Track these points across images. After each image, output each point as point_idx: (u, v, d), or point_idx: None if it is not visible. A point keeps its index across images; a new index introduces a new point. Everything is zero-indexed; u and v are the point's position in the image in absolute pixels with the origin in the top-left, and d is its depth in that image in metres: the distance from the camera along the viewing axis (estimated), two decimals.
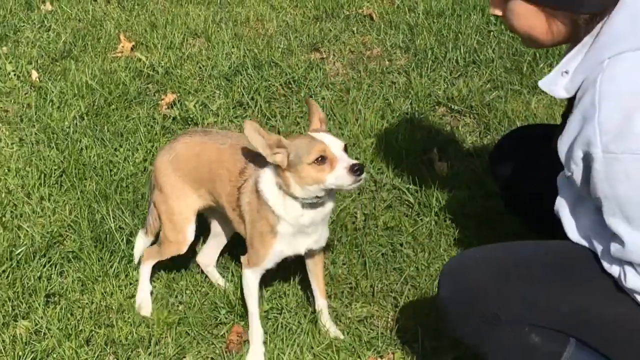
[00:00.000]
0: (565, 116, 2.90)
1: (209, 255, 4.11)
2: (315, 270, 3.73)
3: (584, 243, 2.83)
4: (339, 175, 3.23)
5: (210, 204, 3.79)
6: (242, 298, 3.88)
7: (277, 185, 3.38)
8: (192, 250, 4.22)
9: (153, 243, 4.04)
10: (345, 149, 3.31)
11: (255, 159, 3.50)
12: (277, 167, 3.33)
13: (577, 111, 2.63)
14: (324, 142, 3.25)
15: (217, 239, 4.09)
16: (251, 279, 3.62)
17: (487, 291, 2.84)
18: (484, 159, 4.69)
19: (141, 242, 4.05)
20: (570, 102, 2.85)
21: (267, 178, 3.42)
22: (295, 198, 3.36)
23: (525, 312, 2.82)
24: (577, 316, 2.81)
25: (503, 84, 5.33)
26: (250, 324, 3.68)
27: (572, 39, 2.83)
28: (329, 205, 3.46)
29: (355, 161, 3.25)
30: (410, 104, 5.20)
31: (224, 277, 4.10)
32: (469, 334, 2.95)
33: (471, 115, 5.11)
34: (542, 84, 2.92)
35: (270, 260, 3.55)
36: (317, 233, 3.53)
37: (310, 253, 3.66)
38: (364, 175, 3.27)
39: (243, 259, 3.65)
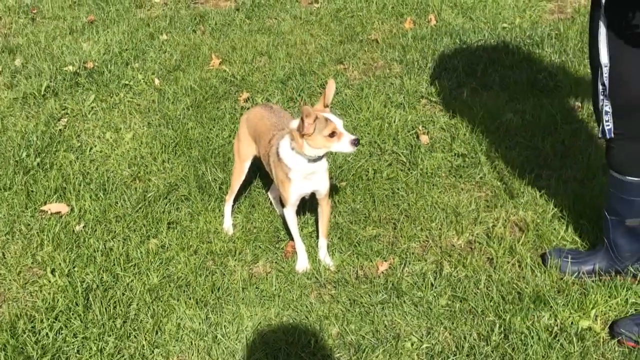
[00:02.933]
0: None
1: (274, 190, 4.10)
2: (322, 215, 3.70)
3: None
4: (344, 145, 3.32)
5: (259, 154, 3.84)
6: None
7: (290, 147, 3.42)
8: (261, 193, 4.29)
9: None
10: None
11: (278, 133, 3.59)
12: (295, 134, 3.36)
13: None
14: (334, 122, 3.31)
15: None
16: (288, 214, 3.66)
17: None
18: (452, 132, 4.71)
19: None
20: None
21: (283, 145, 3.46)
22: (304, 155, 3.40)
23: None
24: None
25: (464, 83, 5.32)
26: (295, 242, 3.74)
27: None
28: (323, 162, 3.50)
29: (355, 136, 3.34)
30: (403, 97, 5.19)
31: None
32: None
33: (443, 105, 5.11)
34: None
35: (291, 198, 3.56)
36: (318, 180, 3.55)
37: (318, 199, 3.65)
38: (358, 146, 3.38)
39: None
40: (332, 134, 3.31)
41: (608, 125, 2.98)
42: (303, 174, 3.49)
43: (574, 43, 5.72)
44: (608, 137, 3.00)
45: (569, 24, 6.11)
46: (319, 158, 3.46)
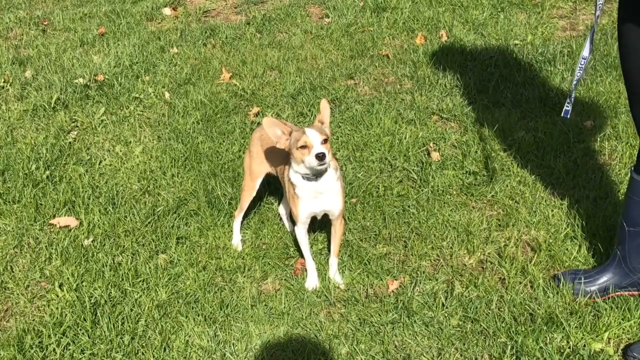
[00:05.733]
0: None
1: (285, 206, 4.09)
2: (335, 235, 3.65)
3: None
4: (310, 159, 3.24)
5: (275, 172, 3.79)
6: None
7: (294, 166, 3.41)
8: (270, 209, 4.28)
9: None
10: (325, 141, 3.27)
11: None
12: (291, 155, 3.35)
13: None
14: (307, 135, 3.25)
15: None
16: (299, 232, 3.62)
17: None
18: (463, 150, 4.70)
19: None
20: None
21: (293, 161, 3.41)
22: (297, 173, 3.40)
23: None
24: None
25: (476, 100, 5.30)
26: (305, 260, 3.71)
27: None
28: (322, 182, 3.42)
29: (320, 150, 3.23)
30: (414, 113, 5.18)
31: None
32: None
33: (455, 121, 5.10)
34: None
35: (301, 216, 3.52)
36: (328, 200, 3.49)
37: (331, 219, 3.61)
38: (326, 160, 3.24)
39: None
40: (303, 147, 3.26)
41: (567, 107, 3.32)
42: (309, 193, 3.45)
43: (586, 61, 5.69)
44: (563, 116, 3.32)
45: (581, 41, 6.09)
46: (310, 176, 3.40)
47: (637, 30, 2.92)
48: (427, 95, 5.43)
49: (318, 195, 3.46)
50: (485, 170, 4.41)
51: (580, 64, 3.23)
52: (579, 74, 3.26)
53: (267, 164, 3.80)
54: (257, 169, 3.84)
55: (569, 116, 3.33)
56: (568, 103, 3.31)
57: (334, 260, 3.71)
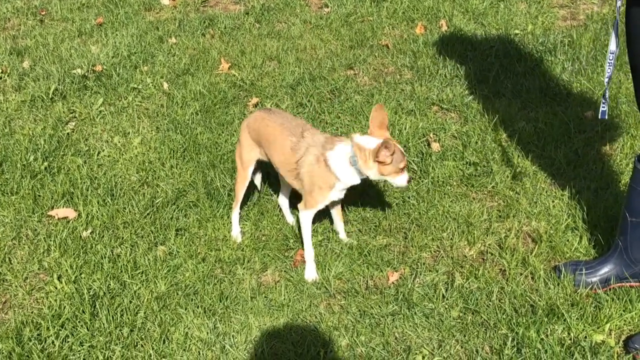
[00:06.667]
0: None
1: (283, 197, 4.10)
2: (338, 214, 3.87)
3: None
4: (403, 180, 3.49)
5: (265, 158, 3.84)
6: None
7: (351, 163, 3.46)
8: (269, 200, 4.26)
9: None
10: None
11: (305, 140, 3.60)
12: (367, 155, 3.41)
13: None
14: (405, 160, 3.47)
15: (288, 186, 3.96)
16: (308, 217, 3.65)
17: None
18: (464, 140, 4.67)
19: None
20: None
21: (336, 156, 3.48)
22: (363, 175, 3.50)
23: None
24: None
25: (476, 90, 5.27)
26: (305, 248, 3.71)
27: None
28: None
29: (410, 176, 3.56)
30: (414, 104, 5.15)
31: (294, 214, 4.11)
32: None
33: (455, 112, 5.07)
34: None
35: (324, 203, 3.63)
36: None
37: (338, 202, 3.80)
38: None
39: (300, 205, 3.67)
40: (402, 169, 3.47)
41: (603, 107, 3.21)
42: (345, 187, 3.59)
43: (587, 50, 5.67)
44: (601, 117, 3.24)
45: (581, 31, 6.06)
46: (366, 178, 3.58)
47: None
48: (427, 85, 5.40)
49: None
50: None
51: (609, 59, 3.15)
52: (609, 70, 3.17)
53: (257, 151, 3.85)
54: (247, 157, 3.88)
55: (606, 117, 3.25)
56: (603, 103, 3.23)
57: (341, 225, 3.92)
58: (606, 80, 3.19)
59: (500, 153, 4.48)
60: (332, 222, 3.95)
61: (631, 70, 3.09)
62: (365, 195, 4.21)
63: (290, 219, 4.10)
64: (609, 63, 3.16)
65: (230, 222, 4.04)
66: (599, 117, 3.24)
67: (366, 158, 3.40)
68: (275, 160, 3.74)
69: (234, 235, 4.01)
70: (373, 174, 3.46)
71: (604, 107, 3.23)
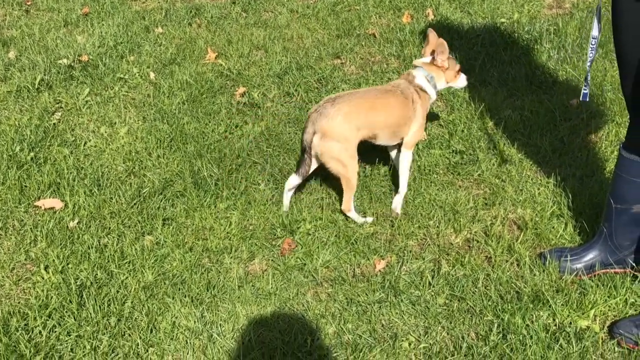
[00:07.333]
0: None
1: (291, 183, 4.00)
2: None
3: None
4: (463, 81, 4.23)
5: (367, 137, 3.90)
6: (291, 221, 3.92)
7: (427, 78, 4.02)
8: (257, 189, 4.25)
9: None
10: None
11: (393, 89, 3.94)
12: (438, 69, 4.06)
13: None
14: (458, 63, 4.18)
15: (301, 176, 3.93)
16: (412, 154, 4.09)
17: None
18: (450, 129, 4.68)
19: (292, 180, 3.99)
20: None
21: (421, 80, 4.01)
22: (435, 88, 4.08)
23: None
24: None
25: None
26: (404, 186, 4.03)
27: None
28: None
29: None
30: None
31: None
32: None
33: (441, 100, 5.08)
34: None
35: (424, 131, 4.15)
36: None
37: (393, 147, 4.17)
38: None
39: (405, 147, 4.01)
40: (459, 71, 4.14)
41: (585, 90, 3.27)
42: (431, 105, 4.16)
43: (573, 39, 5.69)
44: (582, 99, 3.28)
45: (567, 19, 6.07)
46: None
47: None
48: None
49: None
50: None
51: (592, 44, 3.20)
52: (591, 55, 3.21)
53: (359, 136, 3.81)
54: (354, 147, 3.81)
55: (587, 99, 3.29)
56: (585, 86, 3.27)
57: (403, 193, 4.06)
58: (588, 64, 3.23)
59: (486, 141, 4.50)
60: (321, 209, 3.95)
61: (617, 58, 3.10)
62: None
63: (287, 203, 4.05)
64: (591, 48, 3.19)
65: (218, 211, 4.03)
66: (581, 99, 3.28)
67: (437, 71, 4.05)
68: (388, 124, 3.85)
69: (362, 220, 3.95)
70: (442, 84, 4.09)
71: (585, 89, 3.27)
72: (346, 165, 3.78)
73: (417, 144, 4.29)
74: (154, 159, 4.59)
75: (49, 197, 4.25)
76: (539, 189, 4.05)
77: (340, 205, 3.95)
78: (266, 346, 3.19)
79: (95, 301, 3.45)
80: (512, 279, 3.45)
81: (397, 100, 3.86)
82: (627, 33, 2.98)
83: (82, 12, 7.07)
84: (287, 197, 4.06)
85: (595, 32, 3.16)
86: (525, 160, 4.30)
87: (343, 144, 3.74)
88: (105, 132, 4.95)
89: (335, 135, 3.71)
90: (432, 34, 4.11)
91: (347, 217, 3.92)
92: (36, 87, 5.57)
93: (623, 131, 4.44)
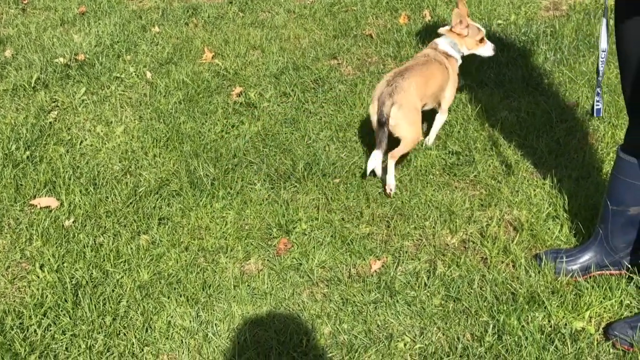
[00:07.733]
0: None
1: (377, 158, 4.11)
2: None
3: None
4: (487, 50, 4.60)
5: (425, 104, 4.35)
6: (286, 221, 3.91)
7: (450, 44, 4.47)
8: (252, 189, 4.25)
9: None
10: None
11: (429, 59, 4.38)
12: (458, 36, 4.49)
13: None
14: (482, 31, 4.57)
15: (383, 149, 4.12)
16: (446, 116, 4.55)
17: None
18: (446, 130, 4.68)
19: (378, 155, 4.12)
20: None
21: (446, 47, 4.47)
22: (460, 53, 4.51)
23: None
24: None
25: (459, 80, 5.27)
26: (431, 138, 4.55)
27: None
28: None
29: (494, 46, 4.65)
30: None
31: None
32: None
33: None
34: None
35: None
36: None
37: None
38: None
39: (442, 110, 4.50)
40: (481, 40, 4.51)
41: (598, 105, 3.18)
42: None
43: (569, 40, 5.69)
44: (596, 115, 3.20)
45: (564, 21, 6.08)
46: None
47: None
48: None
49: None
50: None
51: (602, 58, 3.14)
52: (601, 68, 3.15)
53: (421, 105, 4.25)
54: (420, 115, 4.25)
55: (601, 114, 3.23)
56: (598, 101, 3.20)
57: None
58: (600, 78, 3.16)
59: (482, 142, 4.50)
60: (317, 210, 3.95)
61: (618, 60, 3.09)
62: (347, 184, 4.22)
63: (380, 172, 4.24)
64: (601, 61, 3.14)
65: (214, 210, 4.03)
66: (595, 115, 3.22)
67: (456, 37, 4.46)
68: (435, 90, 4.31)
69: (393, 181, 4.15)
70: (465, 49, 4.50)
71: (598, 105, 3.19)
72: (418, 130, 4.20)
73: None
74: (150, 158, 4.58)
75: (45, 196, 4.24)
76: (535, 190, 4.06)
77: (385, 160, 4.14)
78: (261, 346, 3.19)
79: (91, 300, 3.45)
80: (508, 280, 3.45)
81: (437, 68, 4.33)
82: (629, 35, 2.98)
83: (78, 11, 7.06)
84: (378, 171, 4.21)
85: (603, 44, 3.13)
86: (522, 162, 4.30)
87: (415, 113, 4.16)
88: (102, 131, 4.94)
89: (410, 105, 4.11)
90: (461, 3, 4.55)
91: (386, 165, 4.11)
92: (32, 85, 5.56)
93: (619, 133, 4.44)
